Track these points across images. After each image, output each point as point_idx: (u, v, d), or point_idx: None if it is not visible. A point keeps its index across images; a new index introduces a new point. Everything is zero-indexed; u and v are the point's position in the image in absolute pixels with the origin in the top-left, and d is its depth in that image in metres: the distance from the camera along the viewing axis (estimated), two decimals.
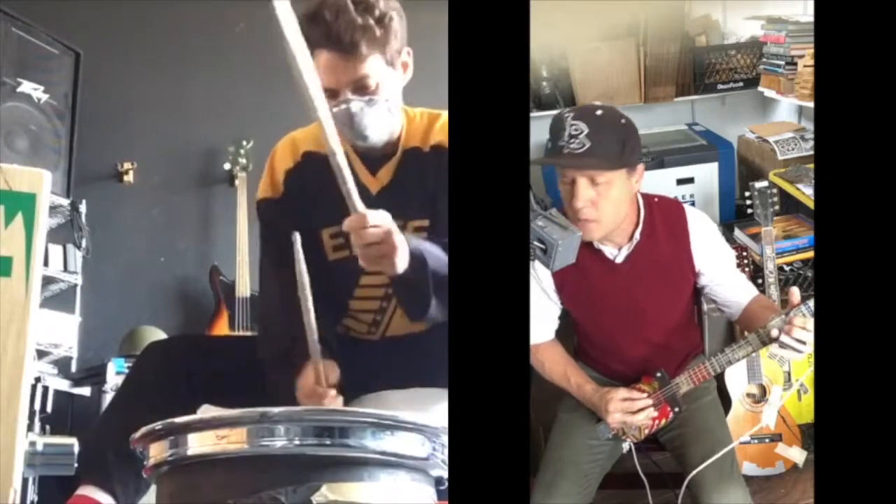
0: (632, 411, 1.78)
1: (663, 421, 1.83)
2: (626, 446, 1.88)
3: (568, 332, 2.00)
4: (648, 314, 1.88)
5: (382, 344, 1.79)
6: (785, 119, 3.16)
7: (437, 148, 1.70)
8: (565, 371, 1.89)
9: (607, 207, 1.69)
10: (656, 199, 1.85)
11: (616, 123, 1.71)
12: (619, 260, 1.82)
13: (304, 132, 1.79)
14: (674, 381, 1.80)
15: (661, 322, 1.91)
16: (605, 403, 1.79)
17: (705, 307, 2.13)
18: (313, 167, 1.72)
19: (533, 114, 3.14)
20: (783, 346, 1.62)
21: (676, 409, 1.80)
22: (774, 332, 1.61)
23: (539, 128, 3.19)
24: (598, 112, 1.70)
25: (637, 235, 1.79)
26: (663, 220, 1.82)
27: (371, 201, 1.71)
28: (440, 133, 1.71)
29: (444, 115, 1.74)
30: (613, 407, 1.78)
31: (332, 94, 1.60)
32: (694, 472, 1.72)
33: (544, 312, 1.90)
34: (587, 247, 1.77)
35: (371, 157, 1.72)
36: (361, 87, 1.60)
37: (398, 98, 1.69)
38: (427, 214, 1.69)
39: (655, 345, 1.91)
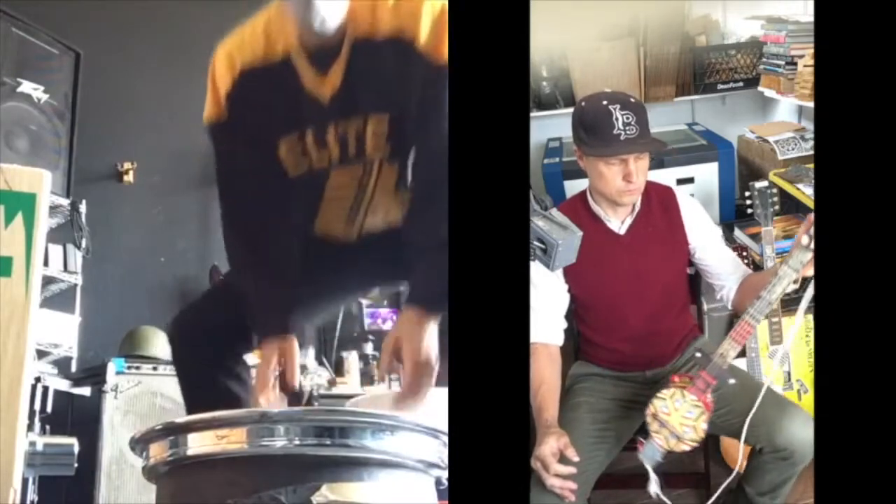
0: (547, 468, 1.63)
1: (708, 414, 1.69)
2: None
3: (568, 334, 1.99)
4: (649, 283, 1.94)
5: (360, 244, 1.76)
6: (785, 119, 3.16)
7: (393, 38, 1.55)
8: (541, 386, 1.78)
9: (642, 178, 1.87)
10: (648, 181, 1.96)
11: (643, 106, 1.86)
12: (621, 231, 1.93)
13: (238, 43, 1.70)
14: (717, 351, 1.70)
15: (661, 293, 1.97)
16: (541, 436, 1.67)
17: (706, 307, 2.14)
18: (253, 82, 1.66)
19: (533, 114, 3.14)
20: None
21: (731, 381, 1.71)
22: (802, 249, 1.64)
23: (539, 128, 3.22)
24: (632, 99, 1.84)
25: (637, 205, 1.92)
26: (657, 198, 1.96)
27: (325, 111, 1.61)
28: (391, 16, 1.56)
29: None
30: (541, 451, 1.64)
31: None
32: (749, 414, 1.70)
33: (550, 306, 1.90)
34: (593, 221, 1.90)
35: (319, 56, 1.60)
36: None
37: None
38: (386, 107, 1.60)
39: (656, 317, 1.95)
